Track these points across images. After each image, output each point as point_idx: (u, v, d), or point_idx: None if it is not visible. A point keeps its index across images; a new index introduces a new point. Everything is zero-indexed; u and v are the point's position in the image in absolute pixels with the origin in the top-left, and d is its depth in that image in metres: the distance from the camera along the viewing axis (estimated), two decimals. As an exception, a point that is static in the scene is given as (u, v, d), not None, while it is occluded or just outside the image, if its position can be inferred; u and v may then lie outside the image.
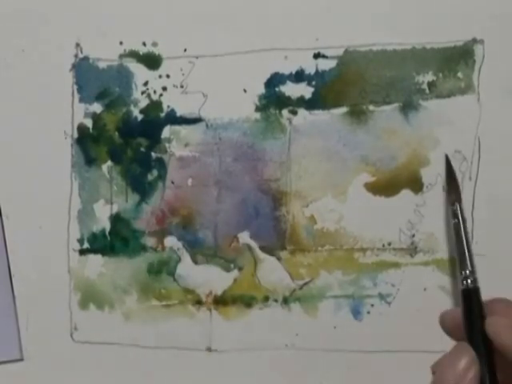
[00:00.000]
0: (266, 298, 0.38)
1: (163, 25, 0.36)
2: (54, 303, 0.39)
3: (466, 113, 0.36)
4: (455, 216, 0.33)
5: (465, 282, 0.31)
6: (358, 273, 0.37)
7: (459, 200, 0.34)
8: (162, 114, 0.37)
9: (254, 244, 0.38)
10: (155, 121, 0.37)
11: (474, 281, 0.31)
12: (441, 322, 0.30)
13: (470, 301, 0.30)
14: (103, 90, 0.37)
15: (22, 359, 0.39)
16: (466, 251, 0.32)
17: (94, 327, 0.39)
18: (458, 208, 0.33)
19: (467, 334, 0.28)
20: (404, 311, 0.37)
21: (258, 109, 0.36)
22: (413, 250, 0.37)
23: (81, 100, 0.37)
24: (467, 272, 0.31)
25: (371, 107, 0.36)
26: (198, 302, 0.38)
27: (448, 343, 0.37)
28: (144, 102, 0.37)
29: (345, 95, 0.36)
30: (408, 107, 0.36)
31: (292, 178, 0.37)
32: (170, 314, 0.38)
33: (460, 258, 0.32)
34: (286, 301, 0.38)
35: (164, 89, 0.37)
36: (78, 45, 0.36)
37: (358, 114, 0.36)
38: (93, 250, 0.38)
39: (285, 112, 0.36)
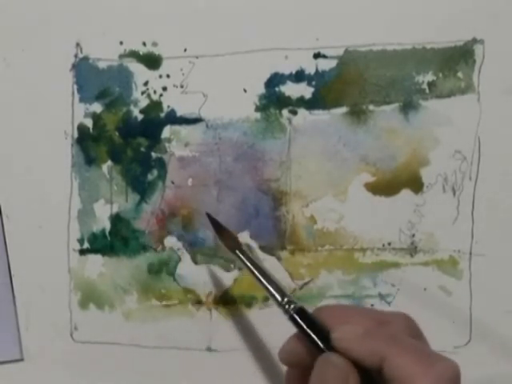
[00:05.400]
0: (266, 298, 0.38)
1: (163, 25, 0.36)
2: (54, 303, 0.39)
3: (466, 113, 0.36)
4: (241, 260, 0.33)
5: (287, 307, 0.29)
6: (358, 273, 0.37)
7: (238, 246, 0.34)
8: (162, 114, 0.37)
9: (253, 244, 0.38)
10: (155, 121, 0.37)
11: (295, 303, 0.30)
12: (283, 360, 0.30)
13: (306, 322, 0.29)
14: (103, 89, 0.37)
15: (22, 359, 0.39)
16: (274, 284, 0.31)
17: (94, 327, 0.39)
18: (239, 253, 0.33)
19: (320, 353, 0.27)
20: (404, 311, 0.37)
21: (258, 109, 0.36)
22: (413, 249, 0.37)
23: (81, 100, 0.37)
24: (285, 300, 0.30)
25: (371, 107, 0.36)
26: (198, 302, 0.38)
27: (448, 343, 0.37)
28: (144, 102, 0.37)
29: (345, 95, 0.36)
30: (408, 107, 0.36)
31: (292, 177, 0.37)
32: (170, 314, 0.38)
33: (272, 292, 0.31)
34: (286, 301, 0.38)
35: (164, 89, 0.37)
36: (78, 45, 0.36)
37: (358, 114, 0.36)
38: (93, 250, 0.38)
39: (285, 112, 0.36)
